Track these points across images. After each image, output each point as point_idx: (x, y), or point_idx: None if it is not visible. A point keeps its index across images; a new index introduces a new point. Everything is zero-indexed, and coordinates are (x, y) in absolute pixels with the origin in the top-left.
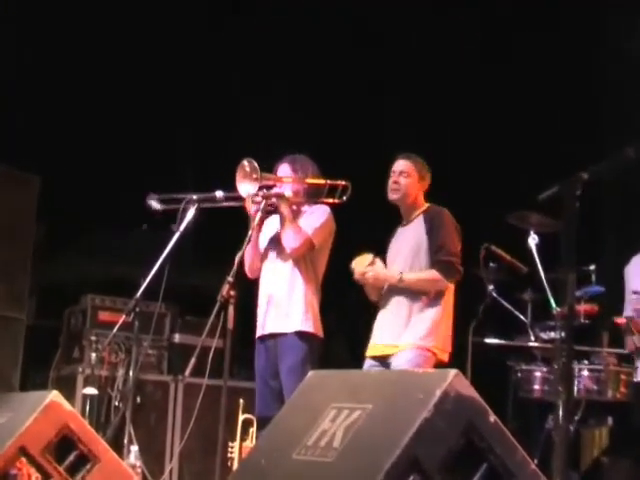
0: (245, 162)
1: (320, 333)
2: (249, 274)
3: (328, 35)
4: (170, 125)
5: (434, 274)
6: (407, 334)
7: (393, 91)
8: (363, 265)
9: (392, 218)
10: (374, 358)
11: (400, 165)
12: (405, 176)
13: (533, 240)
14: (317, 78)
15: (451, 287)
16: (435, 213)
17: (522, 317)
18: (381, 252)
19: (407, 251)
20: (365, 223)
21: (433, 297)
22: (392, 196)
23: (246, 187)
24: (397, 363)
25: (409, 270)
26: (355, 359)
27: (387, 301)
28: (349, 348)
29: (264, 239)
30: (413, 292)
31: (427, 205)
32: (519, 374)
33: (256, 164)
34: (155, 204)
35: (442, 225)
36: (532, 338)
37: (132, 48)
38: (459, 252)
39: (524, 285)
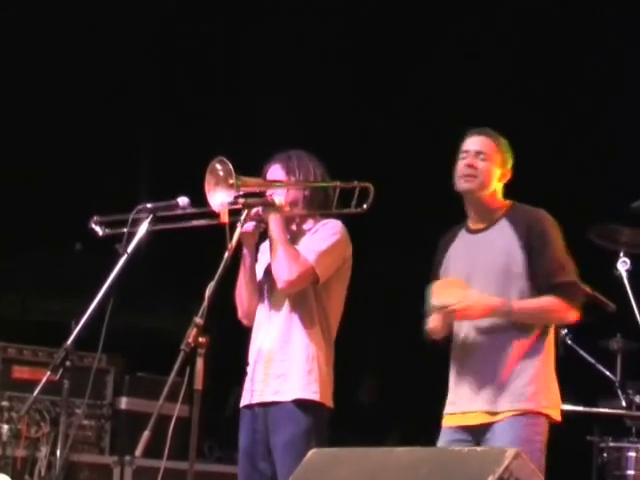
0: (216, 164)
1: (329, 402)
2: (245, 321)
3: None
4: (102, 120)
5: (557, 302)
6: (507, 394)
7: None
8: (449, 294)
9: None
10: (460, 428)
11: (476, 143)
12: (483, 158)
13: (624, 265)
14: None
15: None
16: (531, 216)
17: (609, 374)
18: None
19: (492, 271)
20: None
21: (537, 336)
22: (464, 185)
23: (220, 197)
24: (494, 441)
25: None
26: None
27: (467, 345)
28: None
29: (259, 271)
30: (510, 329)
31: (508, 203)
32: (605, 454)
33: (231, 165)
34: (99, 229)
35: (549, 235)
36: (623, 403)
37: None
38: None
39: (611, 329)
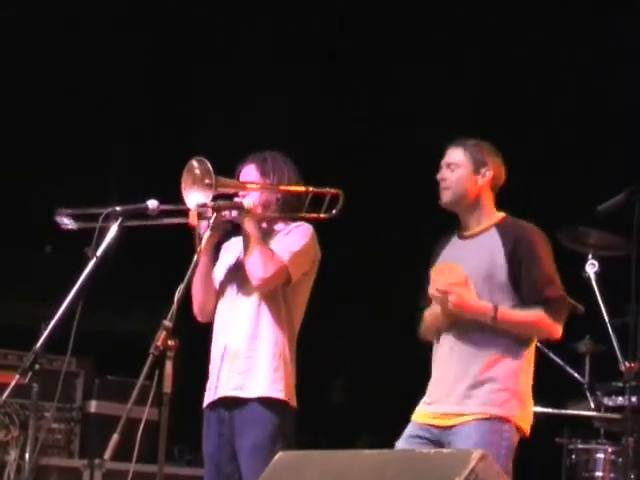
0: (194, 162)
1: (293, 401)
2: (199, 317)
3: None
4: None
5: (544, 317)
6: (476, 397)
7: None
8: (447, 279)
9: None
10: (425, 425)
11: (447, 155)
12: (453, 169)
13: (592, 267)
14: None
15: None
16: (521, 230)
17: (577, 376)
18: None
19: (475, 275)
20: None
21: (517, 344)
22: (442, 199)
23: (196, 197)
24: (459, 442)
25: None
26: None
27: (446, 345)
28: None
29: (222, 269)
30: (492, 335)
31: (501, 215)
32: (574, 455)
33: (209, 165)
34: (67, 222)
35: (539, 249)
36: (592, 405)
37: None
38: None
39: (580, 331)
